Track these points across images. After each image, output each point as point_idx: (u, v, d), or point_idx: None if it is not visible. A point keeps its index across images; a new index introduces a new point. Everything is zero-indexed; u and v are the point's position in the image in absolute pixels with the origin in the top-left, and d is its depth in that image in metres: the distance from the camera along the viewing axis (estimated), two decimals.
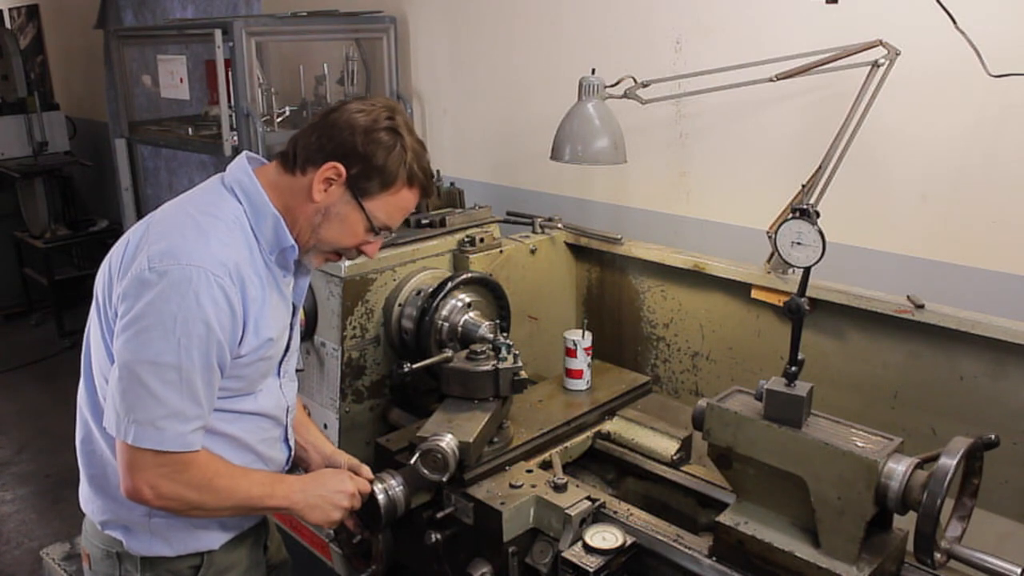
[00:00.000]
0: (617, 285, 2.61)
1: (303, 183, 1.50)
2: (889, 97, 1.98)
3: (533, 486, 1.79)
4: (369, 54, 3.61)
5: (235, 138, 3.31)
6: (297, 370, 1.76)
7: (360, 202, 1.51)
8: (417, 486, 1.79)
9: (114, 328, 1.42)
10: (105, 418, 1.45)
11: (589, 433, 2.14)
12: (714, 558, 1.58)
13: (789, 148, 2.39)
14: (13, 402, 4.94)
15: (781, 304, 1.70)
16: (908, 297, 1.96)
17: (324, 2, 3.72)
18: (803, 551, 1.47)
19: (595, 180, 2.94)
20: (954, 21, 1.87)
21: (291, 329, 1.65)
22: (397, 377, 2.01)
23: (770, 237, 2.03)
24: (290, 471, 1.75)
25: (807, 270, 1.54)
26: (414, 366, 1.98)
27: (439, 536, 1.80)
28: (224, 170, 1.59)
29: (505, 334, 2.15)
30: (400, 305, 2.23)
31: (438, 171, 2.66)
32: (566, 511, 1.68)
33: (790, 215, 1.54)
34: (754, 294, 2.22)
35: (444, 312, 2.17)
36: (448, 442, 1.76)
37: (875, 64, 1.97)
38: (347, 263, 2.14)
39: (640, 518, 1.74)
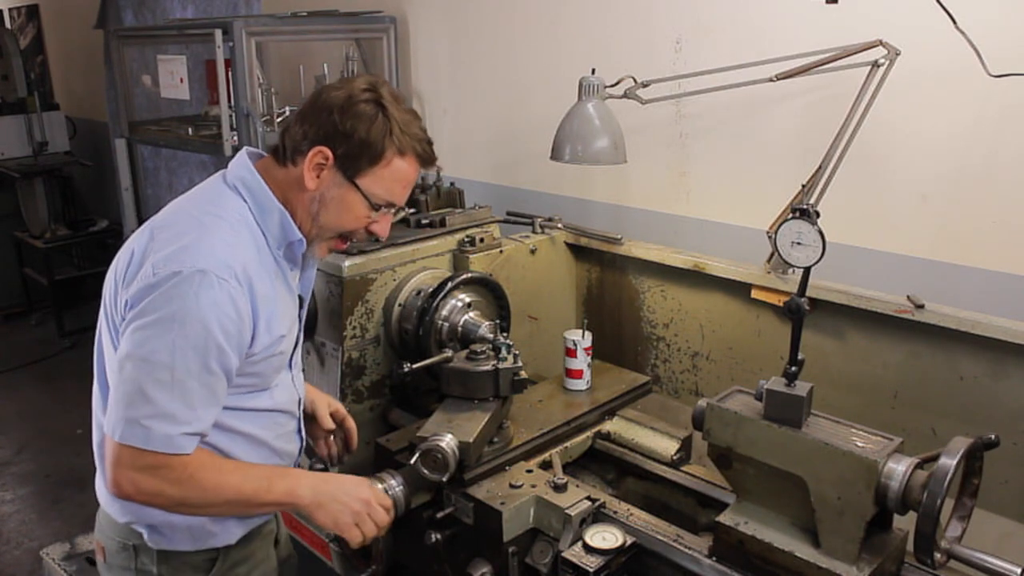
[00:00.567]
0: (617, 285, 2.61)
1: (295, 174, 1.50)
2: (889, 97, 1.98)
3: (533, 486, 1.78)
4: (369, 54, 3.61)
5: (235, 138, 3.31)
6: None
7: (353, 182, 1.49)
8: (417, 486, 1.79)
9: (121, 334, 1.42)
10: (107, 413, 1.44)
11: (589, 433, 2.14)
12: (714, 558, 1.58)
13: (789, 148, 2.40)
14: (13, 402, 4.94)
15: (781, 304, 1.70)
16: (908, 297, 1.96)
17: (324, 2, 3.72)
18: (803, 551, 1.47)
19: (595, 180, 2.94)
20: (954, 21, 1.87)
21: (299, 321, 1.66)
22: (397, 377, 2.01)
23: (770, 237, 2.03)
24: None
25: (807, 270, 1.54)
26: (414, 366, 1.98)
27: (439, 536, 1.80)
28: (225, 168, 1.59)
29: (505, 334, 2.15)
30: (400, 305, 2.23)
31: (438, 171, 2.66)
32: (566, 511, 1.68)
33: (790, 215, 1.54)
34: (754, 294, 2.22)
35: (444, 312, 2.17)
36: (448, 442, 1.76)
37: (875, 64, 1.97)
38: (347, 263, 2.14)
39: (640, 518, 1.74)
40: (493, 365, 1.91)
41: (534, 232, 2.61)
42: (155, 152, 5.40)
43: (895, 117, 2.12)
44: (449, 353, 2.02)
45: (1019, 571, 1.37)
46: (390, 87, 1.53)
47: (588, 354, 2.25)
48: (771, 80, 2.07)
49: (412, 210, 2.50)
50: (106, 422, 1.40)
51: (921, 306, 1.92)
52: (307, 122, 1.48)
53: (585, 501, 1.72)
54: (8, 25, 7.46)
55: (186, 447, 1.40)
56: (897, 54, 1.95)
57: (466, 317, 2.18)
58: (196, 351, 1.37)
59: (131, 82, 4.48)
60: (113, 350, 1.46)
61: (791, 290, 1.98)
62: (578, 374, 2.25)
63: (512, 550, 1.73)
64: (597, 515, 1.72)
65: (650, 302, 2.54)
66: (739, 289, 2.27)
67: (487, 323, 2.16)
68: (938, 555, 1.39)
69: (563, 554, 1.63)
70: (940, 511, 1.34)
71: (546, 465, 1.98)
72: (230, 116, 3.35)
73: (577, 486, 1.79)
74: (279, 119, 3.49)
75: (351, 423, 1.90)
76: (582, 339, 2.22)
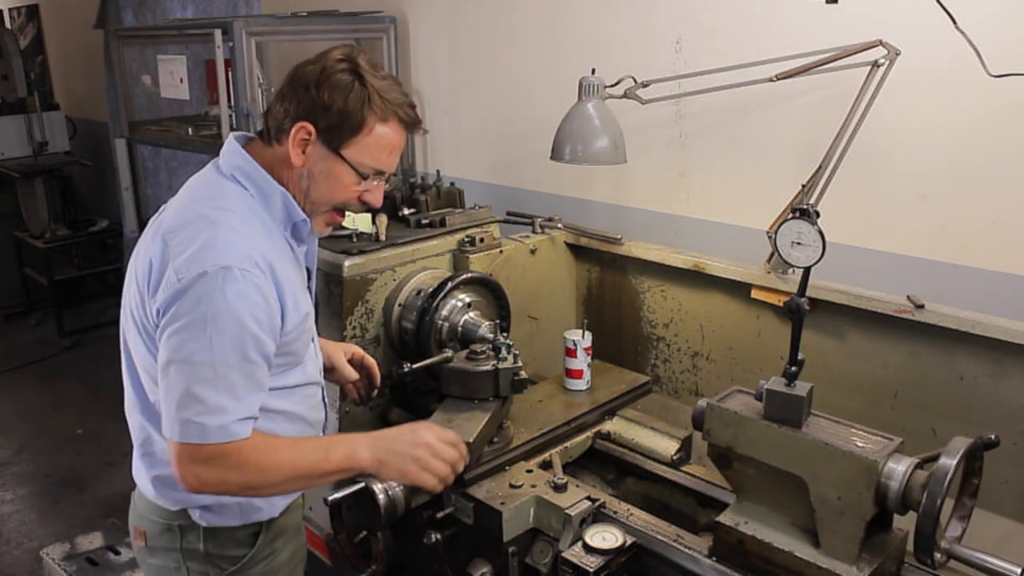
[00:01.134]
0: (617, 285, 2.61)
1: (282, 152, 1.51)
2: (889, 97, 1.98)
3: (533, 486, 1.79)
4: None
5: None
6: None
7: (339, 153, 1.50)
8: (417, 486, 1.79)
9: (158, 341, 1.44)
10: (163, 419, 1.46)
11: (589, 433, 2.14)
12: (714, 558, 1.58)
13: (789, 148, 2.40)
14: (13, 402, 4.94)
15: (781, 304, 1.70)
16: (908, 297, 1.96)
17: (324, 2, 3.72)
18: (803, 551, 1.47)
19: (595, 180, 2.94)
20: (954, 21, 1.87)
21: (311, 293, 1.69)
22: (397, 377, 2.01)
23: (770, 237, 2.03)
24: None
25: (807, 270, 1.54)
26: (414, 366, 1.98)
27: (439, 536, 1.80)
28: (217, 160, 1.59)
29: (505, 334, 2.15)
30: (400, 305, 2.23)
31: (438, 171, 2.66)
32: (566, 511, 1.68)
33: (790, 215, 1.54)
34: (754, 294, 2.22)
35: (444, 312, 2.17)
36: None
37: (875, 64, 1.97)
38: (347, 263, 2.14)
39: (640, 518, 1.74)
40: (493, 365, 1.91)
41: (534, 232, 2.61)
42: (155, 152, 5.40)
43: (895, 117, 2.12)
44: (449, 353, 2.02)
45: (1019, 571, 1.37)
46: (367, 56, 1.53)
47: (588, 354, 2.25)
48: (771, 80, 2.07)
49: (412, 210, 2.50)
50: (164, 426, 1.43)
51: (921, 306, 1.92)
52: (286, 100, 1.50)
53: (585, 501, 1.72)
54: (8, 25, 7.46)
55: (242, 432, 1.43)
56: (897, 54, 1.95)
57: (466, 317, 2.18)
58: (233, 345, 1.40)
59: (131, 82, 4.48)
60: (149, 355, 1.49)
61: (791, 290, 1.98)
62: (578, 374, 2.25)
63: (512, 550, 1.73)
64: (597, 515, 1.72)
65: (650, 302, 2.54)
66: (739, 289, 2.27)
67: (487, 323, 2.16)
68: (938, 555, 1.39)
69: (563, 554, 1.63)
70: (940, 511, 1.34)
71: (546, 465, 1.98)
72: (230, 116, 3.35)
73: (577, 486, 1.79)
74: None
75: (370, 360, 1.95)
76: (582, 339, 2.22)
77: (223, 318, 1.38)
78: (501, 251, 2.43)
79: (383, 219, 2.34)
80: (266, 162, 1.54)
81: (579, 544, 1.64)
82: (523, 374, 1.93)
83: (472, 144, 3.42)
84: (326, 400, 1.78)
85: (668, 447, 2.04)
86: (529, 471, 1.87)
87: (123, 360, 1.60)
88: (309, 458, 1.53)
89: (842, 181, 2.07)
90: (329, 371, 1.87)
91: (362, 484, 1.75)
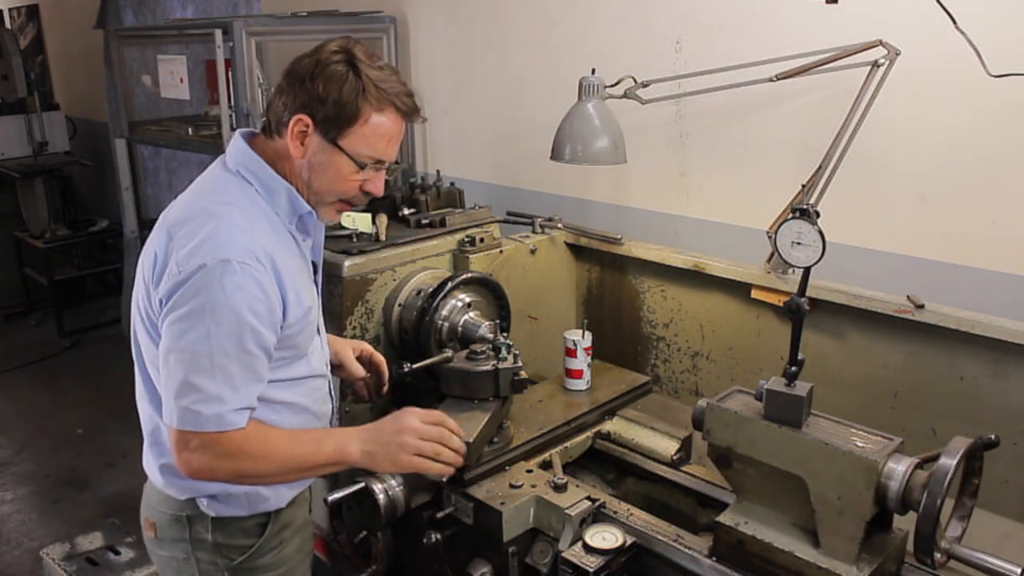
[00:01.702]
0: (617, 285, 2.61)
1: (282, 145, 1.53)
2: (889, 97, 1.99)
3: (533, 486, 1.79)
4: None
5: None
6: None
7: (336, 144, 1.51)
8: (417, 486, 1.79)
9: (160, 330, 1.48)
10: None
11: (589, 433, 2.14)
12: (714, 558, 1.58)
13: (789, 148, 2.40)
14: (13, 402, 4.94)
15: (781, 304, 1.70)
16: (908, 297, 1.96)
17: (324, 2, 3.72)
18: (803, 551, 1.47)
19: (595, 180, 2.94)
20: (954, 21, 1.87)
21: (317, 287, 1.70)
22: (397, 377, 2.01)
23: (770, 237, 2.03)
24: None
25: (807, 270, 1.54)
26: (414, 366, 1.98)
27: (439, 536, 1.80)
28: (224, 157, 1.61)
29: (505, 334, 2.15)
30: (400, 305, 2.23)
31: (438, 171, 2.66)
32: (566, 511, 1.68)
33: (790, 215, 1.54)
34: (754, 294, 2.23)
35: (444, 312, 2.17)
36: None
37: (875, 64, 1.97)
38: (347, 263, 2.14)
39: (640, 518, 1.74)
40: (493, 365, 1.91)
41: (534, 232, 2.61)
42: (155, 152, 5.41)
43: (895, 117, 2.12)
44: (449, 353, 2.02)
45: (1019, 571, 1.37)
46: (364, 47, 1.54)
47: (588, 354, 2.25)
48: (771, 80, 2.07)
49: (412, 210, 2.50)
50: (164, 412, 1.47)
51: (921, 306, 1.92)
52: (284, 93, 1.51)
53: (585, 501, 1.72)
54: (8, 25, 7.46)
55: (237, 422, 1.45)
56: (897, 54, 1.95)
57: (466, 317, 2.18)
58: (231, 336, 1.42)
59: (131, 82, 4.49)
60: (153, 346, 1.52)
61: (791, 290, 1.98)
62: (578, 374, 2.25)
63: (512, 550, 1.73)
64: (597, 515, 1.72)
65: (650, 302, 2.54)
66: (739, 289, 2.27)
67: (487, 323, 2.16)
68: (938, 555, 1.39)
69: (563, 554, 1.63)
70: (940, 511, 1.34)
71: (546, 465, 1.98)
72: (230, 116, 3.35)
73: (577, 486, 1.79)
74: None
75: (378, 357, 1.96)
76: (582, 339, 2.22)
77: (221, 309, 1.40)
78: (501, 251, 2.43)
79: (383, 219, 2.34)
80: (269, 156, 1.56)
81: (579, 544, 1.64)
82: (523, 374, 1.93)
83: (472, 144, 3.42)
84: (333, 393, 1.79)
85: (668, 447, 2.04)
86: (529, 471, 1.87)
87: (133, 351, 1.62)
88: (300, 450, 1.55)
89: (842, 181, 2.07)
90: (337, 368, 1.88)
91: (362, 484, 1.75)
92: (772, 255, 2.18)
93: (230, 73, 3.27)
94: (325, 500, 1.77)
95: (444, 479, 1.73)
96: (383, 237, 2.30)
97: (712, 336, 2.40)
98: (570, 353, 2.24)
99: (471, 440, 1.78)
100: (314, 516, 2.18)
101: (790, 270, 2.14)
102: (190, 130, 4.01)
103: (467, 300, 2.20)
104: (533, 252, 2.54)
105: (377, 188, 1.61)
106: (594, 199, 2.97)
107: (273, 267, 1.48)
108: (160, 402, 1.56)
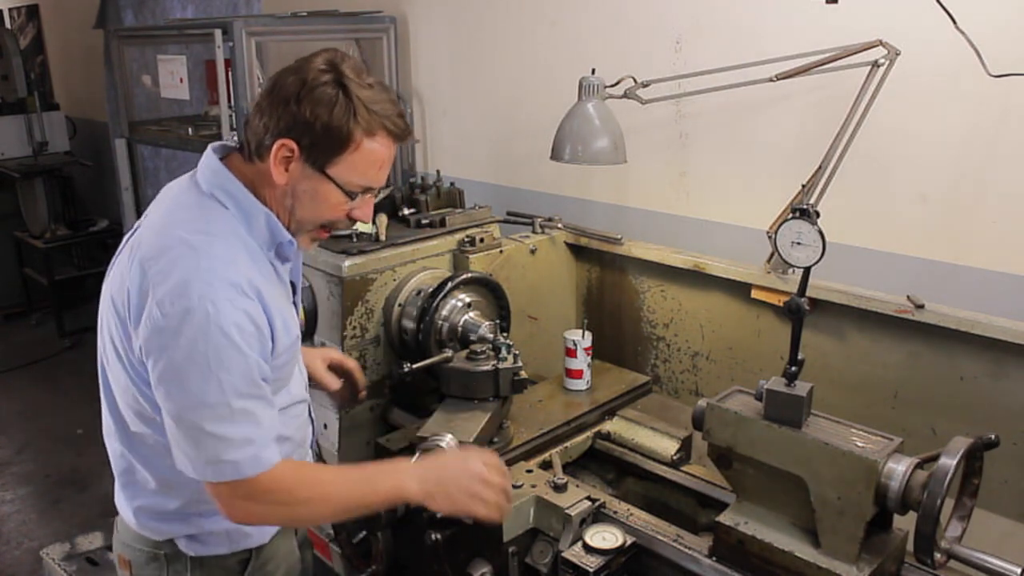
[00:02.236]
0: (617, 285, 2.61)
1: (263, 169, 1.41)
2: (889, 97, 1.98)
3: (533, 486, 1.78)
4: (369, 54, 3.60)
5: (235, 138, 3.31)
6: None
7: (324, 172, 1.40)
8: None
9: (143, 374, 1.40)
10: (176, 460, 1.41)
11: (589, 433, 2.14)
12: (714, 558, 1.58)
13: (789, 148, 2.39)
14: (13, 402, 4.94)
15: (781, 304, 1.70)
16: (908, 297, 1.96)
17: (324, 2, 3.72)
18: (803, 551, 1.47)
19: (595, 180, 2.94)
20: (954, 21, 1.87)
21: (296, 308, 1.63)
22: (397, 377, 2.01)
23: (770, 237, 2.03)
24: None
25: (807, 270, 1.54)
26: (414, 366, 1.98)
27: (439, 536, 1.80)
28: (194, 171, 1.50)
29: (505, 334, 2.15)
30: (400, 305, 2.23)
31: (438, 171, 2.66)
32: (566, 511, 1.68)
33: (790, 215, 1.54)
34: (754, 294, 2.22)
35: (444, 312, 2.17)
36: (448, 442, 1.76)
37: (875, 64, 1.97)
38: (347, 263, 2.14)
39: (640, 518, 1.74)
40: (493, 365, 1.91)
41: (534, 232, 2.61)
42: (155, 152, 5.40)
43: (895, 117, 2.12)
44: (449, 353, 2.02)
45: (1019, 571, 1.37)
46: (353, 61, 1.42)
47: (588, 354, 2.25)
48: (771, 80, 2.07)
49: (412, 210, 2.50)
50: (191, 469, 1.39)
51: (921, 306, 1.92)
52: (265, 114, 1.38)
53: (585, 501, 1.72)
54: (8, 25, 7.46)
55: (272, 457, 1.41)
56: (897, 54, 1.95)
57: (466, 317, 2.18)
58: (243, 377, 1.36)
59: (131, 82, 4.48)
60: (133, 388, 1.43)
61: (791, 290, 1.98)
62: (578, 374, 2.25)
63: (512, 550, 1.73)
64: (597, 515, 1.72)
65: (650, 302, 2.54)
66: (739, 289, 2.27)
67: (487, 323, 2.16)
68: (938, 555, 1.39)
69: (563, 554, 1.63)
70: (940, 511, 1.34)
71: (546, 465, 1.98)
72: (230, 116, 3.35)
73: (577, 486, 1.79)
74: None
75: (350, 364, 1.91)
76: (582, 339, 2.22)
77: (225, 352, 1.33)
78: (501, 251, 2.43)
79: (383, 219, 2.34)
80: (247, 178, 1.44)
81: (579, 544, 1.64)
82: (523, 374, 1.94)
83: (472, 144, 3.42)
84: (312, 416, 1.74)
85: (668, 447, 2.04)
86: (529, 471, 1.87)
87: (101, 383, 1.53)
88: (356, 490, 1.50)
89: (842, 181, 2.06)
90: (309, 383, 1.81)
91: None
92: (772, 255, 2.18)
93: (230, 73, 3.27)
94: None
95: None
96: (383, 237, 2.30)
97: (712, 336, 2.40)
98: (570, 353, 2.24)
99: (471, 440, 1.78)
100: None
101: (790, 270, 2.14)
102: (190, 130, 4.01)
103: (467, 300, 2.20)
104: (533, 252, 2.54)
105: (366, 215, 1.50)
106: (594, 199, 2.97)
107: (260, 299, 1.39)
108: (133, 442, 1.51)
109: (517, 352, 1.96)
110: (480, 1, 3.24)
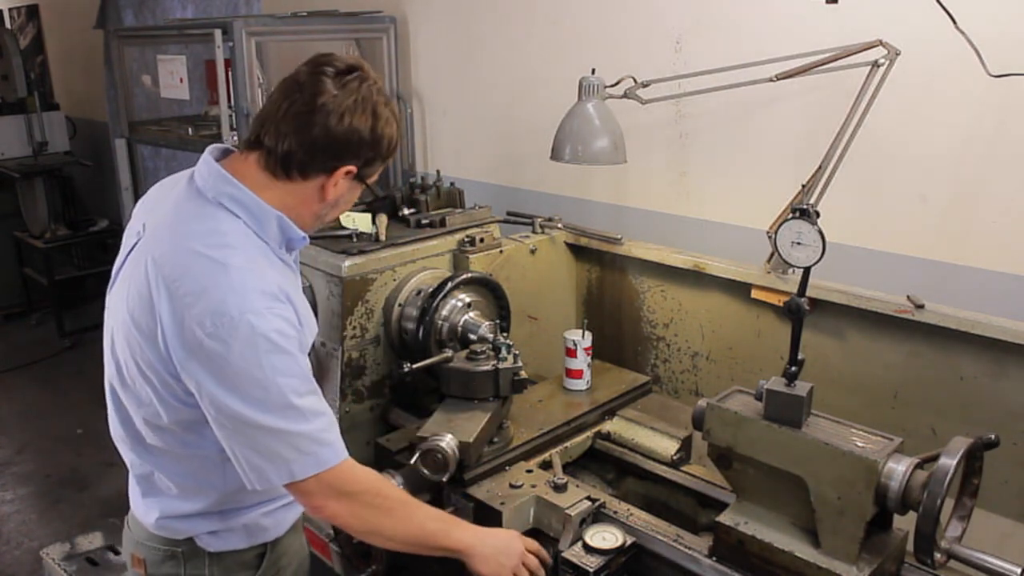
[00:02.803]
0: (617, 285, 2.61)
1: (308, 187, 1.44)
2: (889, 97, 1.98)
3: (533, 486, 1.79)
4: (369, 54, 3.61)
5: (235, 138, 3.31)
6: None
7: (366, 182, 1.50)
8: (417, 486, 1.79)
9: (176, 392, 1.41)
10: (247, 480, 1.42)
11: (589, 433, 2.14)
12: (714, 558, 1.58)
13: (789, 148, 2.40)
14: (13, 402, 4.94)
15: (781, 304, 1.70)
16: (908, 297, 1.96)
17: (324, 2, 3.72)
18: (803, 551, 1.47)
19: (595, 180, 2.94)
20: (954, 21, 1.87)
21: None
22: (397, 377, 2.01)
23: (770, 237, 2.03)
24: None
25: (807, 270, 1.54)
26: (414, 366, 1.98)
27: None
28: (190, 174, 1.49)
29: (505, 334, 2.15)
30: (400, 305, 2.23)
31: (438, 171, 2.66)
32: (566, 511, 1.68)
33: (790, 215, 1.54)
34: (754, 294, 2.22)
35: (444, 312, 2.16)
36: (448, 442, 1.76)
37: (875, 64, 1.97)
38: (347, 263, 2.15)
39: (640, 518, 1.74)
40: (493, 365, 1.91)
41: (534, 232, 2.61)
42: (155, 152, 5.40)
43: (895, 117, 2.12)
44: (449, 353, 2.02)
45: (1019, 571, 1.37)
46: (368, 69, 1.46)
47: (588, 354, 2.25)
48: (771, 80, 2.07)
49: (412, 210, 2.50)
50: (270, 478, 1.41)
51: (921, 306, 1.92)
52: (320, 144, 1.39)
53: (585, 501, 1.72)
54: (8, 25, 7.46)
55: (343, 448, 1.46)
56: (897, 54, 1.95)
57: (466, 317, 2.18)
58: (296, 376, 1.39)
59: (131, 82, 4.48)
60: (158, 405, 1.43)
61: (791, 290, 1.98)
62: (578, 374, 2.25)
63: None
64: (597, 515, 1.72)
65: (650, 302, 2.54)
66: (739, 289, 2.27)
67: (487, 323, 2.16)
68: (938, 555, 1.39)
69: (563, 554, 1.63)
70: (940, 511, 1.34)
71: (546, 465, 1.98)
72: (230, 116, 3.35)
73: (577, 486, 1.79)
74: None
75: None
76: (582, 339, 2.22)
77: (278, 357, 1.35)
78: (501, 251, 2.43)
79: (383, 219, 2.34)
80: (271, 190, 1.43)
81: (579, 544, 1.64)
82: (523, 374, 1.93)
83: (472, 144, 3.42)
84: None
85: (668, 447, 2.04)
86: (529, 471, 1.87)
87: (109, 399, 1.55)
88: (433, 525, 1.56)
89: (842, 181, 2.07)
90: None
91: None
92: (772, 255, 2.18)
93: (230, 73, 3.27)
94: None
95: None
96: (383, 237, 2.30)
97: (712, 336, 2.40)
98: (570, 353, 2.24)
99: (471, 440, 1.78)
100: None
101: (790, 270, 2.14)
102: (190, 130, 4.01)
103: (467, 300, 2.20)
104: (533, 252, 2.54)
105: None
106: (594, 199, 2.97)
107: (289, 300, 1.42)
108: (150, 454, 1.52)
109: (517, 352, 1.96)
110: (480, 1, 3.24)
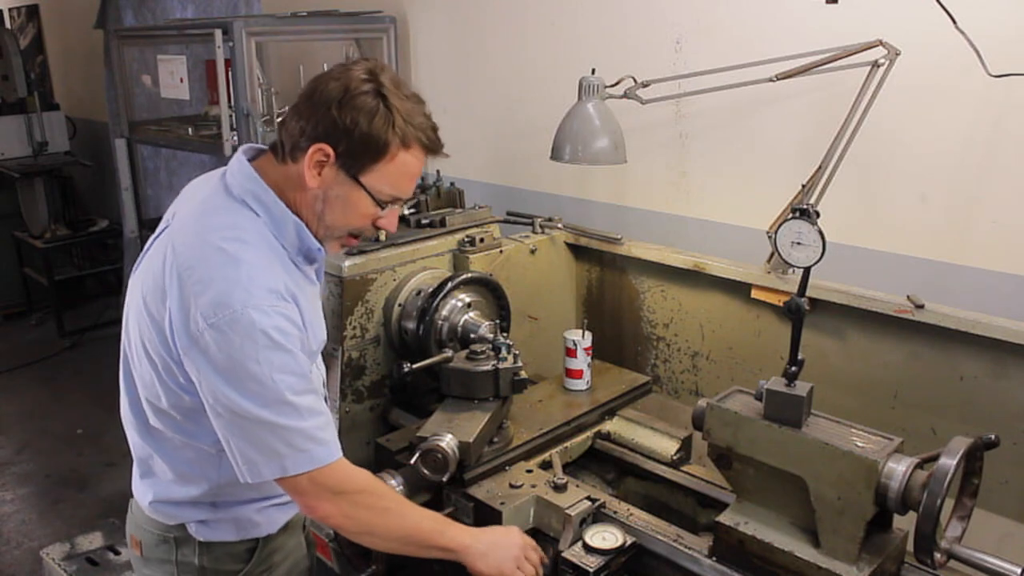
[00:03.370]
0: (617, 285, 2.61)
1: (295, 171, 1.43)
2: (889, 97, 1.98)
3: (533, 486, 1.79)
4: (369, 54, 3.60)
5: (235, 138, 3.32)
6: None
7: (357, 179, 1.42)
8: (417, 486, 1.79)
9: (175, 377, 1.42)
10: (240, 473, 1.43)
11: (589, 433, 2.14)
12: (714, 558, 1.58)
13: (789, 148, 2.40)
14: (13, 402, 4.94)
15: (781, 304, 1.70)
16: (908, 297, 1.96)
17: (324, 2, 3.72)
18: (803, 551, 1.47)
19: (595, 180, 2.94)
20: (954, 21, 1.87)
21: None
22: (397, 377, 2.01)
23: (770, 237, 2.03)
24: None
25: (807, 270, 1.54)
26: (414, 366, 1.98)
27: None
28: (224, 171, 1.53)
29: (505, 334, 2.15)
30: (400, 305, 2.23)
31: (438, 171, 2.66)
32: (566, 511, 1.68)
33: (790, 215, 1.54)
34: (754, 294, 2.22)
35: (444, 312, 2.17)
36: (448, 442, 1.76)
37: (875, 64, 1.97)
38: (347, 263, 2.14)
39: (640, 518, 1.74)
40: (493, 365, 1.91)
41: (534, 232, 2.61)
42: (155, 152, 5.40)
43: (895, 117, 2.12)
44: (449, 353, 2.02)
45: (1019, 571, 1.37)
46: (391, 72, 1.44)
47: (588, 354, 2.25)
48: (771, 80, 2.07)
49: (412, 210, 2.50)
50: (262, 472, 1.41)
51: (921, 306, 1.92)
52: (303, 117, 1.40)
53: (585, 501, 1.72)
54: (8, 25, 7.45)
55: (338, 449, 1.46)
56: (897, 54, 1.95)
57: (466, 317, 2.18)
58: (294, 374, 1.39)
59: (131, 82, 4.48)
60: (159, 388, 1.45)
61: (791, 290, 1.98)
62: (578, 374, 2.25)
63: None
64: (597, 515, 1.72)
65: (650, 302, 2.54)
66: (739, 289, 2.27)
67: (487, 323, 2.16)
68: (938, 555, 1.39)
69: (563, 554, 1.63)
70: (940, 511, 1.34)
71: (546, 465, 1.98)
72: (230, 116, 3.35)
73: (577, 486, 1.79)
74: (279, 119, 3.49)
75: None
76: (582, 339, 2.22)
77: (275, 353, 1.36)
78: (501, 251, 2.43)
79: None
80: (276, 181, 1.46)
81: (579, 544, 1.64)
82: (523, 374, 1.93)
83: (472, 144, 3.42)
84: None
85: (668, 447, 2.04)
86: (529, 471, 1.87)
87: (122, 375, 1.56)
88: (428, 524, 1.56)
89: (842, 181, 2.07)
90: None
91: None
92: (772, 255, 2.18)
93: (230, 73, 3.27)
94: None
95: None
96: (383, 237, 2.30)
97: (712, 336, 2.40)
98: (570, 353, 2.24)
99: (471, 440, 1.78)
100: None
101: (790, 270, 2.14)
102: (190, 130, 4.01)
103: (467, 300, 2.20)
104: (533, 252, 2.54)
105: (392, 225, 1.53)
106: (594, 199, 2.97)
107: (295, 301, 1.43)
108: (153, 437, 1.53)
109: (517, 352, 1.96)
110: (480, 1, 3.24)
